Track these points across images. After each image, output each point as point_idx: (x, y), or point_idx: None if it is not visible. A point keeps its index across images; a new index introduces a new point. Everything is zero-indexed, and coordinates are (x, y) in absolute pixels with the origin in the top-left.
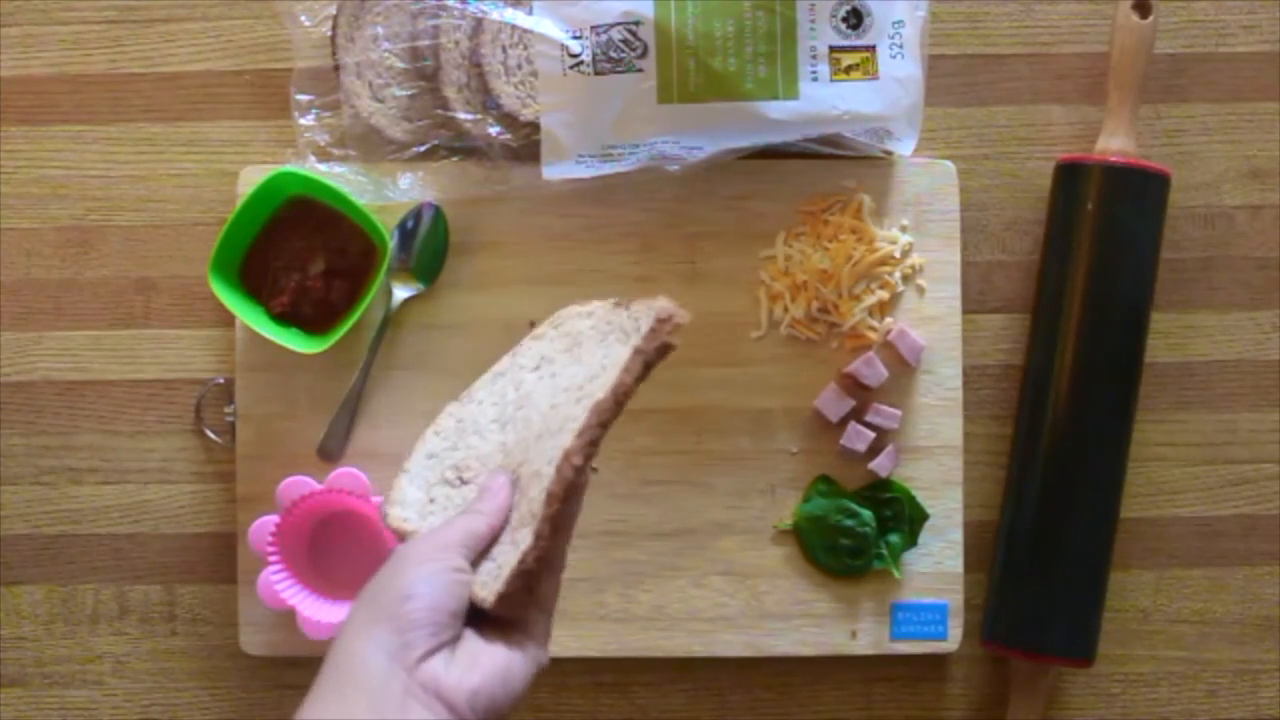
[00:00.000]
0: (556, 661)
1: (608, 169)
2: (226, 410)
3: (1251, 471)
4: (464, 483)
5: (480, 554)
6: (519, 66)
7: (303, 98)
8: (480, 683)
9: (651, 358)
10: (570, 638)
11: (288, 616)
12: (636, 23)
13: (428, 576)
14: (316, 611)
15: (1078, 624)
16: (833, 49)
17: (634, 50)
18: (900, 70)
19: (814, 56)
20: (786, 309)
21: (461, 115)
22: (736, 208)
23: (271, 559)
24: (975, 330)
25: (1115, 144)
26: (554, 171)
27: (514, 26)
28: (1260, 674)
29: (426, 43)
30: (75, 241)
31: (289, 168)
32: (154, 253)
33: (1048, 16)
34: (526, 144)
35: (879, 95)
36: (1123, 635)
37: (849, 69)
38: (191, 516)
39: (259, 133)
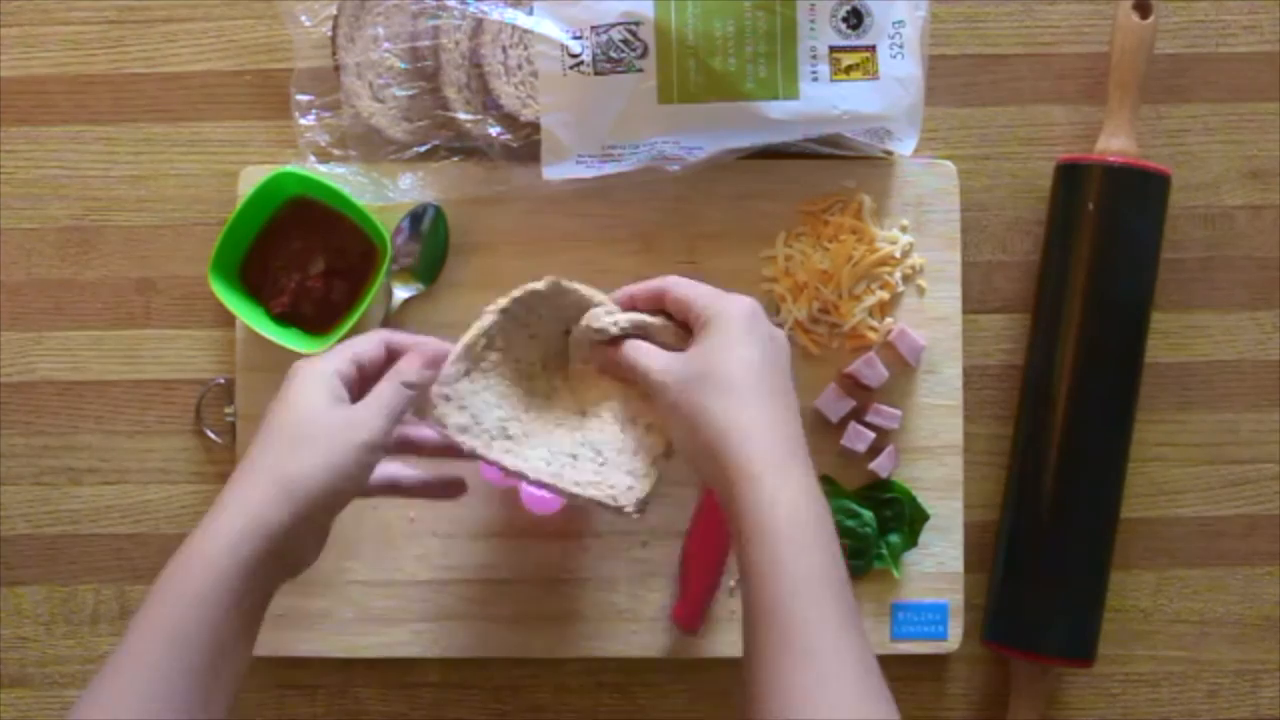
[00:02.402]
0: (557, 661)
1: (608, 169)
2: (226, 410)
3: (1252, 471)
4: None
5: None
6: (519, 66)
7: (303, 98)
8: None
9: None
10: (572, 637)
11: (285, 616)
12: (636, 23)
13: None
14: None
15: (1078, 624)
16: (833, 49)
17: (634, 50)
18: (900, 70)
19: (814, 56)
20: (790, 309)
21: (461, 115)
22: (736, 208)
23: None
24: (976, 330)
25: (1115, 144)
26: (554, 171)
27: (514, 26)
28: (1260, 674)
29: (427, 43)
30: (75, 241)
31: (289, 168)
32: (154, 253)
33: (1048, 16)
34: (526, 144)
35: (879, 95)
36: (1123, 635)
37: (849, 69)
38: (192, 517)
39: (259, 133)
